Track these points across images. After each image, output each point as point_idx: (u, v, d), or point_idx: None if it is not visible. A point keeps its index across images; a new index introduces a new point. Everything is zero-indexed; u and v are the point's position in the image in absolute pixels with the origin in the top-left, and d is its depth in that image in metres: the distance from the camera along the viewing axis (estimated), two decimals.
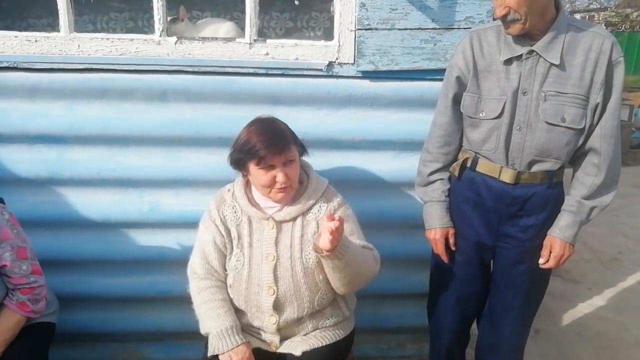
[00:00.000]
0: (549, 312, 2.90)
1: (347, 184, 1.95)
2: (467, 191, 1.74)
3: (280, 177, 1.57)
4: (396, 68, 1.91)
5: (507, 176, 1.64)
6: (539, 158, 1.61)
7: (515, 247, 1.71)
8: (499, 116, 1.60)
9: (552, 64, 1.53)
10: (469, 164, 1.72)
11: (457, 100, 1.70)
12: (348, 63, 1.93)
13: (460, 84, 1.68)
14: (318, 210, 1.68)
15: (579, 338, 2.67)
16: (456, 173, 1.75)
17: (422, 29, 1.88)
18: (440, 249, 1.79)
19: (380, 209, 2.07)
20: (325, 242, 1.44)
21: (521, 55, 1.55)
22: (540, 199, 1.65)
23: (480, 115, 1.64)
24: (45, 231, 2.03)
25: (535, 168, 1.64)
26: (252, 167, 1.60)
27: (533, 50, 1.54)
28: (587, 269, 3.46)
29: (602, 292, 3.15)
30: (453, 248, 1.80)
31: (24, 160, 1.98)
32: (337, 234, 1.43)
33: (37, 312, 1.69)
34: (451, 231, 1.78)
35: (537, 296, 1.82)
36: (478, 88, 1.64)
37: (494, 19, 1.88)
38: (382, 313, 2.28)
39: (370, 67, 1.91)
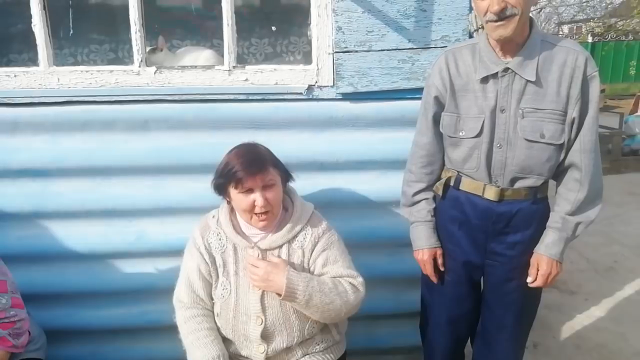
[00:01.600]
0: (546, 325, 2.87)
1: (333, 205, 1.95)
2: (452, 210, 1.73)
3: (259, 200, 1.55)
4: (375, 89, 1.93)
5: (490, 194, 1.63)
6: (521, 175, 1.61)
7: (504, 265, 1.69)
8: (479, 135, 1.60)
9: (528, 81, 1.53)
10: (452, 183, 1.71)
11: (437, 120, 1.70)
12: (327, 86, 1.94)
13: (439, 103, 1.68)
14: (304, 238, 1.66)
15: (578, 351, 2.63)
16: (440, 192, 1.74)
17: (399, 49, 1.90)
18: (429, 270, 1.77)
19: (367, 229, 2.07)
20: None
21: (497, 73, 1.56)
22: (525, 215, 1.64)
23: (460, 134, 1.63)
24: (32, 265, 2.01)
25: (519, 184, 1.63)
26: (232, 192, 1.59)
27: (508, 68, 1.54)
28: (583, 279, 3.43)
29: (600, 303, 3.11)
30: (442, 268, 1.78)
31: (7, 195, 1.97)
32: (258, 278, 1.56)
33: (19, 346, 1.65)
34: (439, 251, 1.77)
35: (529, 313, 1.79)
36: (456, 107, 1.64)
37: (471, 34, 1.90)
38: (376, 333, 2.26)
39: (350, 89, 1.93)
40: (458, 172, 1.70)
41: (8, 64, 2.06)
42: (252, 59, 2.15)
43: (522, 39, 1.53)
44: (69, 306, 2.09)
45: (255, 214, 1.58)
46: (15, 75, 1.87)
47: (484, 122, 1.59)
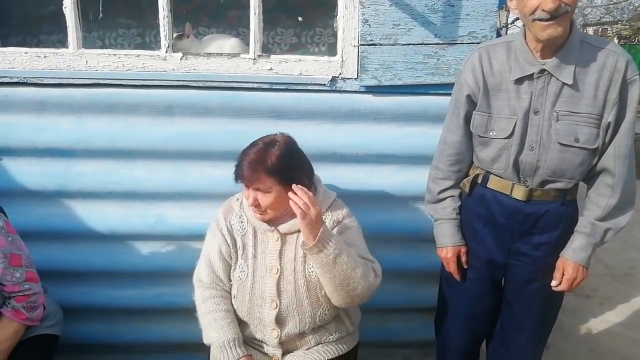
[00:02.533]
0: (560, 328, 2.85)
1: (351, 197, 1.94)
2: (478, 207, 1.70)
3: (250, 199, 1.59)
4: (399, 83, 1.92)
5: (519, 193, 1.61)
6: (552, 178, 1.57)
7: (528, 265, 1.66)
8: (509, 136, 1.56)
9: (564, 84, 1.49)
10: (479, 180, 1.69)
11: (468, 119, 1.66)
12: (351, 78, 1.94)
13: (471, 102, 1.64)
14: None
15: (591, 355, 2.61)
16: (466, 189, 1.71)
17: (425, 44, 1.89)
18: (452, 268, 1.75)
19: (385, 223, 2.07)
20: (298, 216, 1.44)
21: (532, 74, 1.51)
22: (553, 216, 1.61)
23: (491, 134, 1.60)
24: (53, 243, 2.06)
25: (549, 186, 1.59)
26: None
27: (545, 70, 1.49)
28: (600, 284, 3.40)
29: (615, 308, 3.08)
30: (465, 267, 1.76)
31: (32, 173, 2.01)
32: (303, 203, 1.44)
33: (34, 320, 1.69)
34: (463, 249, 1.74)
35: (550, 316, 1.77)
36: (488, 107, 1.60)
37: (499, 31, 1.87)
38: (389, 327, 2.27)
39: (374, 82, 1.92)
40: (486, 170, 1.68)
41: (38, 44, 2.10)
42: (276, 49, 2.15)
43: (563, 40, 1.48)
44: (87, 284, 2.14)
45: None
46: (45, 56, 1.90)
47: (515, 123, 1.55)
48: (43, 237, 2.02)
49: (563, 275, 1.59)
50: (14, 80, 1.92)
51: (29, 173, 2.01)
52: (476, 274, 1.76)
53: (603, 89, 1.48)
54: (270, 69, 1.93)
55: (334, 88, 1.95)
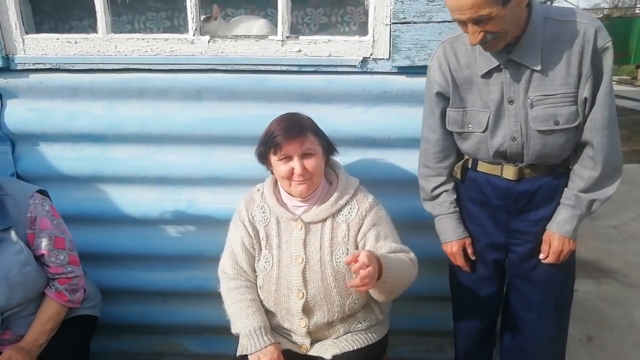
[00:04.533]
0: (602, 318, 2.73)
1: (382, 183, 1.90)
2: (471, 191, 1.70)
3: (297, 168, 1.54)
4: None
5: (509, 173, 1.60)
6: (540, 161, 1.57)
7: (528, 243, 1.66)
8: (485, 130, 1.56)
9: (533, 70, 1.45)
10: (470, 165, 1.68)
11: (444, 115, 1.65)
12: (383, 58, 1.87)
13: (443, 98, 1.63)
14: (349, 212, 1.64)
15: (637, 349, 2.48)
16: (459, 175, 1.71)
17: None
18: (460, 261, 1.75)
19: (417, 209, 1.99)
20: (359, 286, 1.33)
21: (499, 65, 1.48)
22: (547, 191, 1.60)
23: (468, 127, 1.60)
24: (88, 226, 2.10)
25: (538, 163, 1.58)
26: (272, 159, 1.59)
27: (510, 59, 1.45)
28: None
29: None
30: (473, 257, 1.76)
31: (67, 159, 2.05)
32: (368, 279, 1.31)
33: (75, 302, 1.74)
34: (468, 241, 1.75)
35: (559, 290, 1.72)
36: (461, 101, 1.59)
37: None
38: (420, 315, 2.22)
39: (406, 62, 1.84)
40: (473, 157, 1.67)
41: (70, 30, 2.11)
42: (305, 30, 2.09)
43: (519, 30, 1.42)
44: (122, 267, 2.18)
45: (294, 180, 1.57)
46: (75, 42, 1.91)
47: (489, 117, 1.53)
48: (79, 221, 2.06)
49: (550, 248, 1.60)
50: (47, 66, 1.95)
51: (64, 158, 2.05)
52: (479, 258, 1.76)
53: (575, 64, 1.43)
54: (299, 50, 1.87)
55: (365, 69, 1.88)
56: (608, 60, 1.44)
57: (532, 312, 1.73)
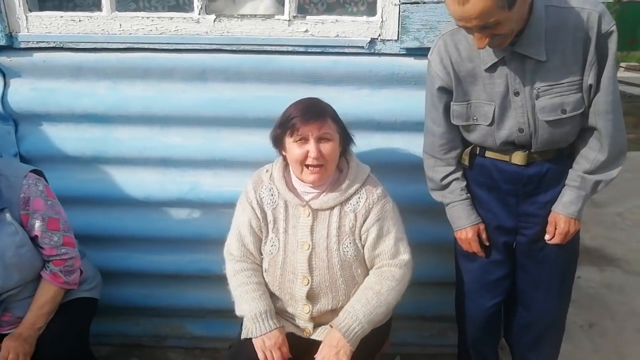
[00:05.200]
0: (604, 305, 2.74)
1: (387, 166, 1.88)
2: (480, 177, 1.69)
3: (312, 151, 1.51)
4: None
5: (518, 159, 1.59)
6: (548, 147, 1.57)
7: (537, 225, 1.66)
8: (491, 124, 1.55)
9: (538, 60, 1.43)
10: (477, 152, 1.67)
11: (448, 108, 1.63)
12: (391, 40, 1.84)
13: (446, 92, 1.60)
14: (357, 202, 1.62)
15: (638, 336, 2.49)
16: (467, 162, 1.70)
17: None
18: (475, 247, 1.74)
19: (422, 193, 1.97)
20: None
21: (503, 57, 1.46)
22: (554, 173, 1.61)
23: (473, 120, 1.58)
24: (91, 207, 2.09)
25: (547, 149, 1.58)
26: (288, 141, 1.57)
27: (515, 51, 1.43)
28: None
29: None
30: (487, 243, 1.75)
31: (71, 139, 2.03)
32: None
33: (71, 283, 1.72)
34: (482, 227, 1.74)
35: (566, 271, 1.75)
36: (465, 94, 1.57)
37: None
38: (424, 300, 2.21)
39: (415, 44, 1.81)
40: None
41: (74, 8, 2.07)
42: (313, 9, 2.05)
43: (522, 22, 1.39)
44: (125, 249, 2.17)
45: (307, 166, 1.55)
46: (79, 20, 1.88)
47: (494, 110, 1.52)
48: (82, 202, 2.06)
49: (556, 229, 1.61)
50: (51, 45, 1.92)
51: (67, 139, 2.03)
52: (490, 242, 1.75)
53: (580, 51, 1.42)
54: (306, 30, 1.84)
55: (372, 51, 1.86)
56: (612, 44, 1.42)
57: (540, 290, 1.74)
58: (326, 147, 1.53)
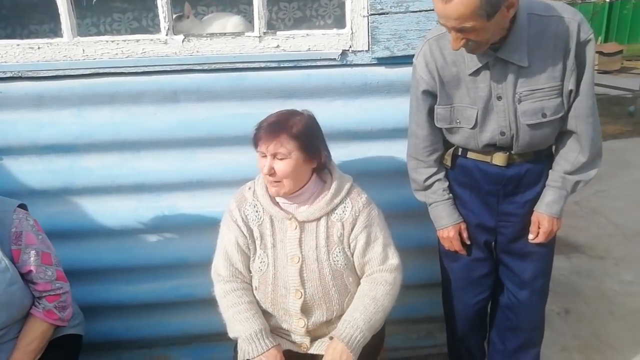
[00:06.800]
0: (577, 291, 2.85)
1: (367, 174, 1.89)
2: (461, 177, 1.74)
3: (265, 167, 1.52)
4: (413, 52, 1.81)
5: (499, 160, 1.64)
6: (528, 149, 1.62)
7: (516, 224, 1.72)
8: (474, 127, 1.59)
9: (520, 66, 1.49)
10: (459, 153, 1.72)
11: (432, 111, 1.67)
12: (362, 50, 1.86)
13: (430, 95, 1.64)
14: (343, 211, 1.62)
15: (612, 317, 2.61)
16: (449, 163, 1.74)
17: None
18: (457, 246, 1.78)
19: (403, 198, 2.01)
20: None
21: (487, 63, 1.51)
22: (533, 174, 1.66)
23: (456, 123, 1.63)
24: (63, 242, 1.97)
25: (527, 151, 1.63)
26: (257, 152, 1.58)
27: (498, 57, 1.49)
28: (612, 244, 3.40)
29: (630, 267, 3.09)
30: (468, 242, 1.79)
31: (35, 172, 1.94)
32: None
33: (65, 319, 1.65)
34: (463, 226, 1.78)
35: (545, 267, 1.80)
36: (449, 98, 1.61)
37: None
38: (410, 303, 2.22)
39: (386, 53, 1.85)
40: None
41: (29, 35, 1.99)
42: (280, 25, 2.05)
43: (503, 32, 1.45)
44: (102, 282, 2.08)
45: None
46: (39, 47, 1.80)
47: (477, 114, 1.57)
48: (52, 237, 1.91)
49: (539, 228, 1.67)
50: (8, 75, 1.82)
51: (32, 172, 1.94)
52: (471, 240, 1.80)
53: (560, 58, 1.49)
54: (277, 46, 1.84)
55: (344, 62, 1.87)
56: (590, 52, 1.49)
57: (524, 290, 1.79)
58: (279, 165, 1.52)
